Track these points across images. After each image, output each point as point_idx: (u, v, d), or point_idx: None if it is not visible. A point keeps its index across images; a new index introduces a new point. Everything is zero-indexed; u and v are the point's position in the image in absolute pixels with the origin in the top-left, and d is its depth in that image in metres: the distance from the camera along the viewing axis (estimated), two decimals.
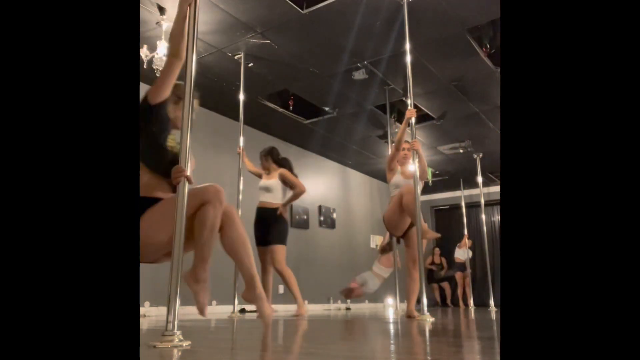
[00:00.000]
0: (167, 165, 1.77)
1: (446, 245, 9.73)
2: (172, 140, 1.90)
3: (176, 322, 1.50)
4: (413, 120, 3.66)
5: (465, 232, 8.45)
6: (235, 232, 1.84)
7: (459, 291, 8.50)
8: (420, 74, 5.04)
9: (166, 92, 1.88)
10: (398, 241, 3.98)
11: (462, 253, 8.49)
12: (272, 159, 4.33)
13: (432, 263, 9.15)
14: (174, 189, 1.73)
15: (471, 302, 7.65)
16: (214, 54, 4.70)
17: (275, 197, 4.24)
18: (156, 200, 1.81)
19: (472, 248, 8.93)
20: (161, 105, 1.87)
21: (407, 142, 3.84)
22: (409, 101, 3.75)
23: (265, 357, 1.31)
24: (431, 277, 8.99)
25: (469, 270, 8.09)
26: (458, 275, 8.46)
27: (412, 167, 3.61)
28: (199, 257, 1.78)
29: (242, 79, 4.78)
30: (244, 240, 1.85)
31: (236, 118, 5.09)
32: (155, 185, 1.83)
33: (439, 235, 3.85)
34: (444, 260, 9.25)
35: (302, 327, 2.76)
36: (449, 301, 9.04)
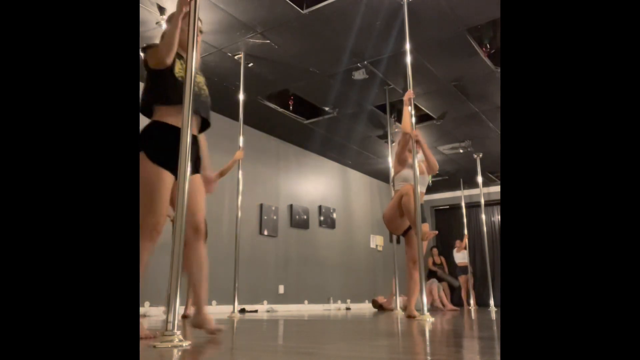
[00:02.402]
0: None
1: (445, 244, 9.71)
2: (179, 69, 1.98)
3: (176, 322, 1.50)
4: (413, 119, 3.66)
5: (466, 232, 8.43)
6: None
7: (463, 294, 8.49)
8: (420, 74, 5.04)
9: (169, 61, 1.95)
10: (398, 240, 3.97)
11: (462, 256, 8.48)
12: None
13: (434, 264, 9.14)
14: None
15: (472, 302, 7.65)
16: (214, 54, 4.70)
17: None
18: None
19: (465, 248, 8.91)
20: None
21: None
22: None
23: (265, 357, 1.31)
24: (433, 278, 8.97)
25: (471, 273, 8.08)
26: (462, 278, 8.44)
27: (419, 157, 3.48)
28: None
29: (242, 79, 4.79)
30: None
31: (236, 118, 5.09)
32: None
33: (436, 232, 3.84)
34: (443, 259, 9.25)
35: (302, 327, 2.76)
36: (449, 301, 9.03)
